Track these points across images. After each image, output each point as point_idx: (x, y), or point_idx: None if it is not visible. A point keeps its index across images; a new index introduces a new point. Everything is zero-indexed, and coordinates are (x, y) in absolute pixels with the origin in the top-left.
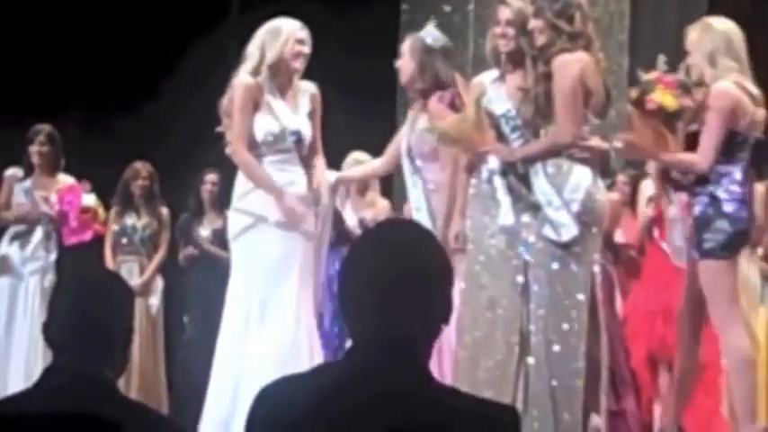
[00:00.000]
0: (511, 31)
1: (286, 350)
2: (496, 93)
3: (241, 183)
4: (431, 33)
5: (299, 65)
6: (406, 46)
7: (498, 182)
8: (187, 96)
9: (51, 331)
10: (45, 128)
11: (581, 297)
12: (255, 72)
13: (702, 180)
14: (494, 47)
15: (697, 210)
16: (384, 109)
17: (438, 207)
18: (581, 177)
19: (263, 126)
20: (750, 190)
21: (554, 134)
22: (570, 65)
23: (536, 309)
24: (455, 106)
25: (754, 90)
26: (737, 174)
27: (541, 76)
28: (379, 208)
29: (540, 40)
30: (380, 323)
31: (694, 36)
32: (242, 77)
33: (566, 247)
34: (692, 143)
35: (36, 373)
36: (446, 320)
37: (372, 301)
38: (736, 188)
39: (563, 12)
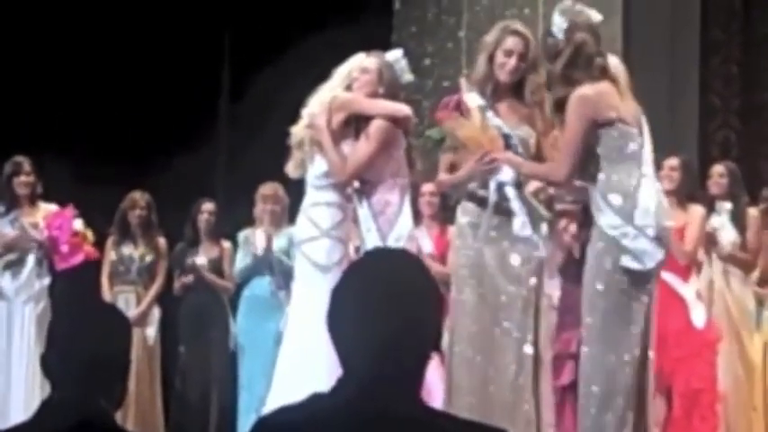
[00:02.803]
0: (523, 65)
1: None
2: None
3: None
4: (407, 74)
5: None
6: (374, 66)
7: (511, 192)
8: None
9: (49, 364)
10: (25, 159)
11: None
12: None
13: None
14: (489, 73)
15: None
16: None
17: (386, 227)
18: (648, 199)
19: None
20: None
21: (551, 168)
22: (582, 102)
23: (587, 333)
24: (461, 111)
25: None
26: None
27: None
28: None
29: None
30: (371, 352)
31: None
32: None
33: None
34: None
35: (35, 404)
36: (437, 347)
37: (361, 330)
38: None
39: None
